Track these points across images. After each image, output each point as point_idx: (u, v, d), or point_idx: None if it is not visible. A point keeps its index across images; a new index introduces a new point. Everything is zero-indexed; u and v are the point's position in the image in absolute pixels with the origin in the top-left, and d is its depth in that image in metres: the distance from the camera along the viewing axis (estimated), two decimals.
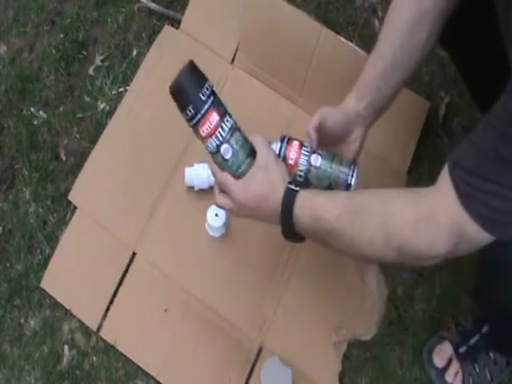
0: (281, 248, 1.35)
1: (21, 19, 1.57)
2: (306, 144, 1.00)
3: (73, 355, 1.31)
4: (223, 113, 0.92)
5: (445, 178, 0.78)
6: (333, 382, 1.29)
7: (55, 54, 1.53)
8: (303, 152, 0.98)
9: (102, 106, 1.48)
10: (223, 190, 0.96)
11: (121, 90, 1.49)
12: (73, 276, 1.34)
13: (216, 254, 1.35)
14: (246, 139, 0.95)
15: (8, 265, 1.37)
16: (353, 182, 0.98)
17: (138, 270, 1.33)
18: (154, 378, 1.28)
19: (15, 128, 1.47)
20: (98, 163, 1.41)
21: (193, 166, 1.35)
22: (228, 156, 0.93)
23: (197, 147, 1.37)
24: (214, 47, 1.50)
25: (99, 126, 1.45)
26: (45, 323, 1.33)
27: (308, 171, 0.98)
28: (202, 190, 1.36)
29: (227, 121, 0.92)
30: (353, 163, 1.00)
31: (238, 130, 0.94)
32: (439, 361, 1.30)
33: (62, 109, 1.49)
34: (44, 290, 1.34)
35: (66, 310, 1.32)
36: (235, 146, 0.93)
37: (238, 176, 0.94)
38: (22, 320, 1.34)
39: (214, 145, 0.93)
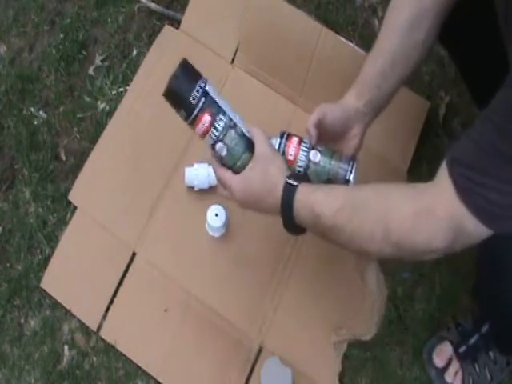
0: (280, 248, 1.35)
1: (21, 19, 1.57)
2: (305, 140, 1.00)
3: (73, 355, 1.31)
4: (216, 112, 0.93)
5: (443, 173, 0.78)
6: (333, 382, 1.28)
7: (55, 54, 1.53)
8: (302, 148, 0.99)
9: (102, 106, 1.48)
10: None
11: (121, 90, 1.49)
12: (73, 276, 1.34)
13: (216, 253, 1.35)
14: (242, 135, 0.95)
15: (8, 265, 1.37)
16: (352, 178, 0.99)
17: (138, 270, 1.33)
18: (154, 378, 1.28)
19: (15, 128, 1.47)
20: (98, 163, 1.41)
21: (193, 165, 1.35)
22: (223, 153, 0.94)
23: (197, 147, 1.38)
24: (214, 47, 1.50)
25: (99, 126, 1.46)
26: (45, 323, 1.33)
27: (307, 167, 0.99)
28: (201, 190, 1.36)
29: (220, 120, 0.93)
30: (352, 159, 1.00)
31: (234, 127, 0.94)
32: (439, 361, 1.30)
33: (61, 109, 1.49)
34: (44, 290, 1.34)
35: (66, 309, 1.32)
36: (230, 145, 0.94)
37: (236, 170, 0.95)
38: (22, 320, 1.34)
39: (210, 142, 0.95)
